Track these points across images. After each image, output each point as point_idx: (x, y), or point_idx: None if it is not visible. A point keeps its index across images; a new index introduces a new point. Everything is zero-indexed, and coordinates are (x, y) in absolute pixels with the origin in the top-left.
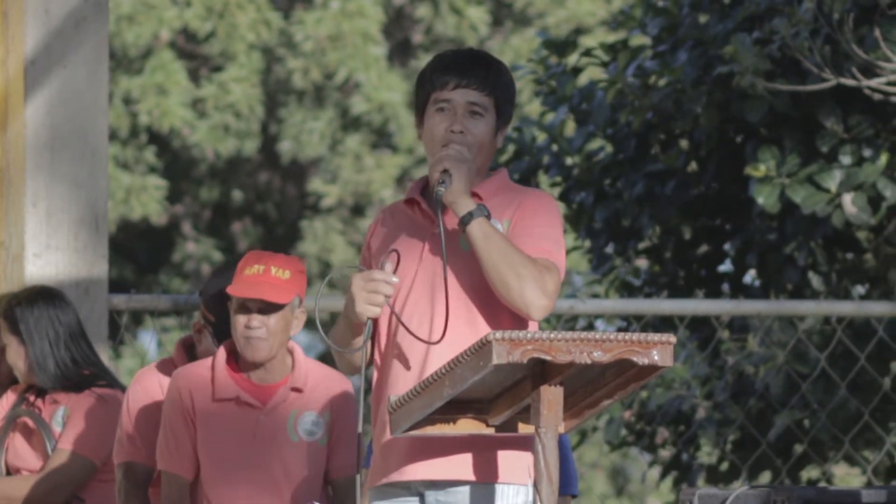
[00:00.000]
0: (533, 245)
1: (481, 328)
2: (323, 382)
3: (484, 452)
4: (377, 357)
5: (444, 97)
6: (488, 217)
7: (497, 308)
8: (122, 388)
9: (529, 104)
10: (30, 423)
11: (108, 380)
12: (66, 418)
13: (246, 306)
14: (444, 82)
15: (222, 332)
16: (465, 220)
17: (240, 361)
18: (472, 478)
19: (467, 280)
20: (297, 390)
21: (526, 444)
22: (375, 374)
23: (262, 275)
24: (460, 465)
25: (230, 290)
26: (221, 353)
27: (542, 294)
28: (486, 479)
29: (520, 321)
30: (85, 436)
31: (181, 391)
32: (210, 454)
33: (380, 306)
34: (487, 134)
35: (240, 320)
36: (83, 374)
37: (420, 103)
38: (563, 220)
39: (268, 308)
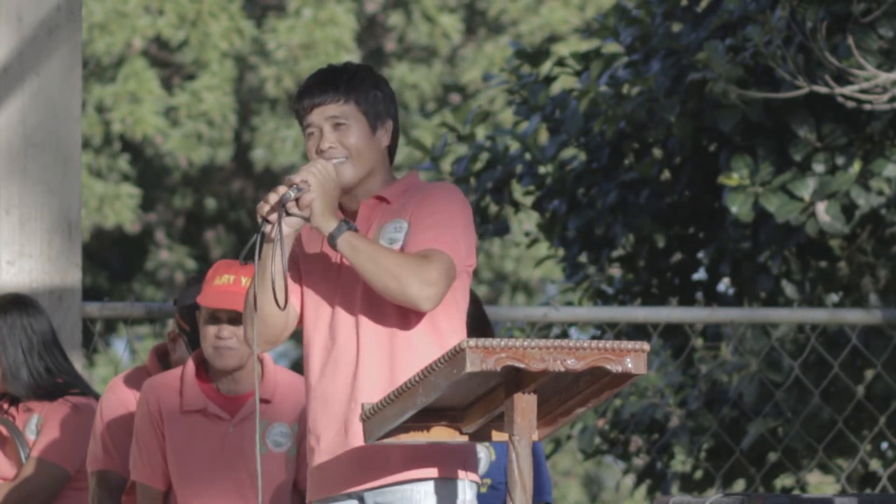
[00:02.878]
0: (421, 238)
1: (397, 334)
2: (293, 392)
3: (415, 454)
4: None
5: (306, 122)
6: (355, 230)
7: (406, 313)
8: (96, 397)
9: (502, 113)
10: (3, 431)
11: (81, 388)
12: (39, 426)
13: (216, 316)
14: (302, 108)
15: (197, 342)
16: (331, 242)
17: (209, 371)
18: (406, 478)
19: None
20: (266, 401)
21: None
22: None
23: (232, 285)
24: (394, 469)
25: (200, 300)
26: (191, 363)
27: (424, 286)
28: (419, 477)
29: (419, 315)
30: (58, 444)
31: (150, 402)
32: (179, 465)
33: (268, 203)
34: (361, 139)
35: (210, 330)
36: (56, 382)
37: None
38: (467, 208)
39: (238, 318)
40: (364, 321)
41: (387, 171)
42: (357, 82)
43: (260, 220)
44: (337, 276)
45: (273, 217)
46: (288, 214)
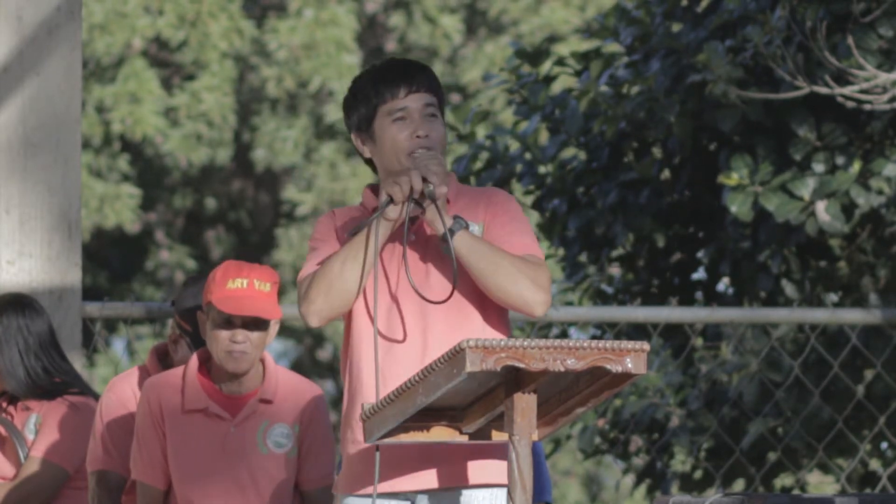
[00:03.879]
0: (515, 244)
1: (470, 330)
2: (293, 393)
3: (472, 458)
4: (350, 360)
5: (399, 106)
6: (466, 227)
7: (486, 308)
8: (95, 396)
9: (503, 113)
10: (2, 430)
11: (80, 387)
12: (38, 426)
13: (230, 321)
14: (394, 92)
15: (199, 342)
16: (447, 237)
17: (212, 372)
18: (462, 483)
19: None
20: (267, 402)
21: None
22: (347, 382)
23: (246, 289)
24: (452, 473)
25: (219, 305)
26: (194, 362)
27: (538, 290)
28: (477, 482)
29: (506, 322)
30: (57, 444)
31: (151, 401)
32: (180, 465)
33: (399, 187)
34: (445, 134)
35: (223, 335)
36: (54, 381)
37: (363, 121)
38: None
39: (255, 323)
40: (433, 320)
41: None
42: (438, 82)
43: (387, 198)
44: (398, 270)
45: (398, 198)
46: (418, 205)
